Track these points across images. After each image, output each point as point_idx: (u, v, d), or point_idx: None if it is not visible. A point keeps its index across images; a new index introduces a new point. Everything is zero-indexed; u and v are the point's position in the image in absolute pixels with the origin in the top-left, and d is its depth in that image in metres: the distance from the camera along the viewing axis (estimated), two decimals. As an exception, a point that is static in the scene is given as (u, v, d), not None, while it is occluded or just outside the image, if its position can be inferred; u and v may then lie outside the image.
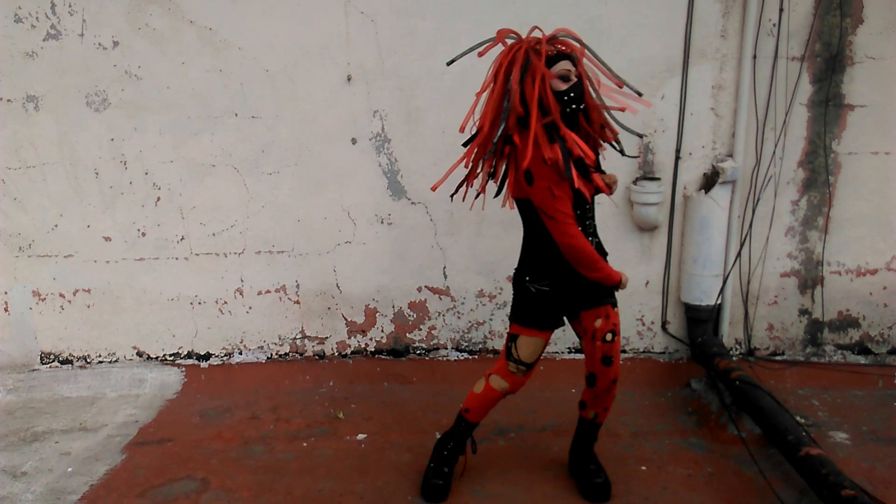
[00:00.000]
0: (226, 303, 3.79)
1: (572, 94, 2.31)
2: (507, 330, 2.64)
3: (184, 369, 3.80)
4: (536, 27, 2.41)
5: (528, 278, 2.53)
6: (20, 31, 3.46)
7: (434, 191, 2.52)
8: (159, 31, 3.45)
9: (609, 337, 2.51)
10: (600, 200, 3.57)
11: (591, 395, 2.63)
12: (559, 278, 2.48)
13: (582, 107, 2.37)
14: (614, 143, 2.54)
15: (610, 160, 3.50)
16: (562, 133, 2.30)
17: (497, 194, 2.59)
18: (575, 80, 2.32)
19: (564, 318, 2.62)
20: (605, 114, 2.47)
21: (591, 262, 2.38)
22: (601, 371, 2.54)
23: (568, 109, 2.33)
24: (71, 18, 3.44)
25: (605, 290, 2.50)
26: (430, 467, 2.77)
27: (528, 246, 2.55)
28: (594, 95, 2.44)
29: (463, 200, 2.67)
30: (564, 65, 2.31)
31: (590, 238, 2.48)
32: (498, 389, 2.64)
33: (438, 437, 2.85)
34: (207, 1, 3.40)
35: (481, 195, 2.61)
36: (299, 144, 3.58)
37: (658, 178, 3.52)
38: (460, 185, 2.54)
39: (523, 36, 2.37)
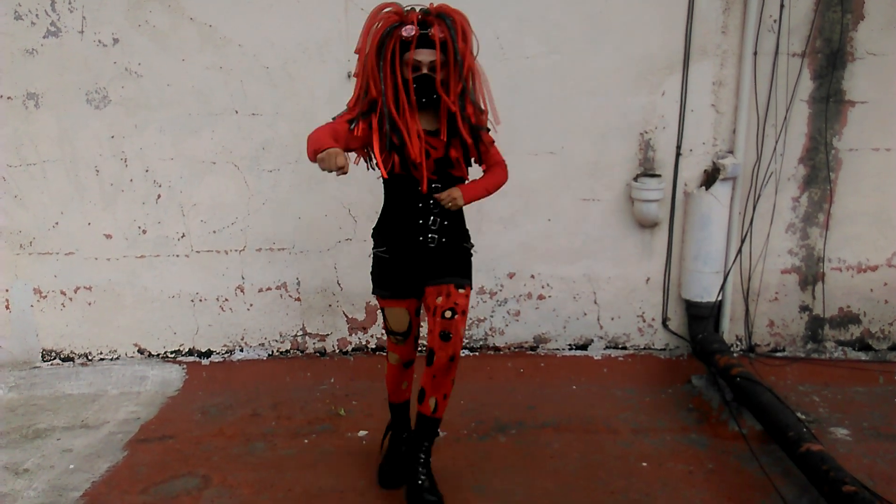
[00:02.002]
0: (227, 300, 3.79)
1: (415, 86, 2.32)
2: None
3: (185, 366, 3.81)
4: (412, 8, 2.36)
5: (373, 243, 2.62)
6: (20, 29, 3.46)
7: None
8: (159, 28, 3.45)
9: (448, 314, 2.48)
10: (600, 198, 3.58)
11: (429, 376, 2.50)
12: (393, 244, 2.54)
13: (434, 97, 2.34)
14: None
15: (607, 153, 3.53)
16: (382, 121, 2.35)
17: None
18: (425, 71, 2.30)
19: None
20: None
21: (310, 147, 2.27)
22: (439, 346, 2.45)
23: (424, 99, 2.33)
24: (71, 15, 3.44)
25: (448, 267, 2.54)
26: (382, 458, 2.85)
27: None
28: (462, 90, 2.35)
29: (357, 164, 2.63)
30: (421, 54, 2.30)
31: (428, 234, 2.50)
32: (392, 362, 2.70)
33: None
34: (207, -2, 3.40)
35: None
36: (300, 141, 3.55)
37: (659, 175, 3.52)
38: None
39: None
